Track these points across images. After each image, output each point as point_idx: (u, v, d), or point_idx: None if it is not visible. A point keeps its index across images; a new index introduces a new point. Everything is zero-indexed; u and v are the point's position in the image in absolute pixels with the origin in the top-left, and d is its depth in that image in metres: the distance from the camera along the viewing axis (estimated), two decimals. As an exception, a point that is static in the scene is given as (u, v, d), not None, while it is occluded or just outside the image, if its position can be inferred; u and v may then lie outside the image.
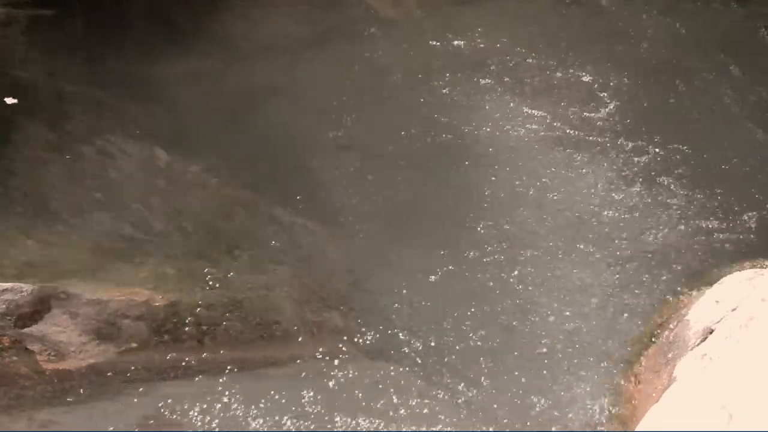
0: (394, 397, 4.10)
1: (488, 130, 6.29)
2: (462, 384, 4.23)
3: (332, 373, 4.24)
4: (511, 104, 6.59)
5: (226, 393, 4.07)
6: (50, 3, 7.61)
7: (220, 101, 6.68)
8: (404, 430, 3.93)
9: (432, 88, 6.84)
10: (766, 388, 3.14)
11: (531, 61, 7.21)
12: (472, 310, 4.70)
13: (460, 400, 4.12)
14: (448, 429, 3.94)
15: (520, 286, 4.87)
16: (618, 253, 5.09)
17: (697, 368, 3.66)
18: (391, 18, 8.10)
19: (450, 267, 5.00)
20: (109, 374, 4.04)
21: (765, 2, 7.89)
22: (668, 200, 5.49)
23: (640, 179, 5.71)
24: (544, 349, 4.44)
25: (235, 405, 4.00)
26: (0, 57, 7.03)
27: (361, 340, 4.52)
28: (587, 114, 6.44)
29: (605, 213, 5.42)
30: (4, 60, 7.00)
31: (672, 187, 5.62)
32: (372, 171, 5.88)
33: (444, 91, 6.78)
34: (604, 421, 4.00)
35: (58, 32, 7.47)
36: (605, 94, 6.67)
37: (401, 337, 4.54)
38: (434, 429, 3.93)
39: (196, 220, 5.40)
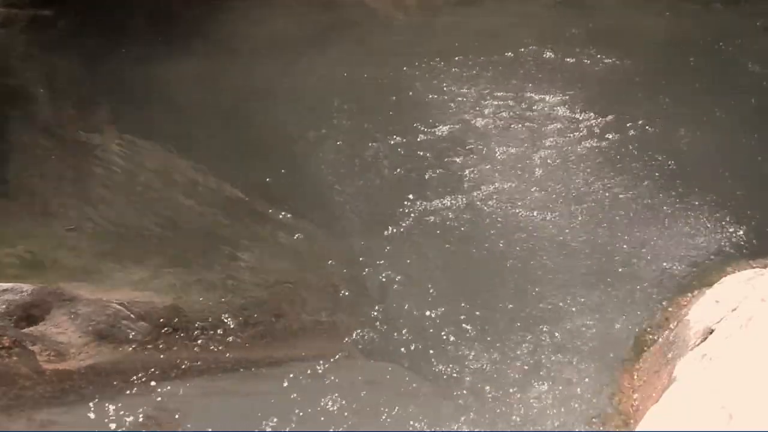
0: (394, 396, 4.10)
1: (488, 127, 6.30)
2: (462, 385, 4.23)
3: (332, 373, 4.24)
4: (510, 103, 6.59)
5: (226, 393, 4.07)
6: (50, 3, 7.62)
7: (220, 102, 6.68)
8: (404, 429, 3.92)
9: (433, 89, 6.84)
10: (766, 388, 3.14)
11: (531, 59, 7.22)
12: (471, 309, 4.70)
13: (459, 401, 4.12)
14: (449, 428, 3.93)
15: (518, 280, 4.87)
16: (618, 253, 5.08)
17: (697, 368, 3.66)
18: (390, 19, 8.11)
19: (449, 268, 5.01)
20: (109, 374, 4.04)
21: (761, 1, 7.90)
22: (668, 201, 5.49)
23: (640, 181, 5.71)
24: (547, 347, 4.44)
25: (235, 405, 4.00)
26: (0, 56, 7.04)
27: (360, 341, 4.51)
28: (586, 112, 6.44)
29: (604, 213, 5.42)
30: (4, 59, 7.01)
31: (672, 187, 5.62)
32: (373, 173, 5.88)
33: (446, 92, 6.78)
34: (604, 419, 4.01)
35: (57, 32, 7.48)
36: (604, 97, 6.68)
37: (401, 337, 4.54)
38: (434, 428, 3.93)
39: (195, 221, 5.40)
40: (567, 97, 6.67)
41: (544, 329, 4.54)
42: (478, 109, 6.55)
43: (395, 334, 4.56)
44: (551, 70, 7.07)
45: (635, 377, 4.19)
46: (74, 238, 5.03)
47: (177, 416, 3.88)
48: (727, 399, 3.17)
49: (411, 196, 5.59)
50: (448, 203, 5.52)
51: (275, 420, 3.90)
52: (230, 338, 4.41)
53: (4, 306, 4.08)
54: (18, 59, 7.05)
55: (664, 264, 4.97)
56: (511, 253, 5.11)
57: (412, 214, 5.43)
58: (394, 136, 6.23)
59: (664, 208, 5.44)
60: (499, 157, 6.00)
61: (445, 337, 4.51)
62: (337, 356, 4.36)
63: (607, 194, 5.60)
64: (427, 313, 4.68)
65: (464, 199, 5.56)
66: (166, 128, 6.30)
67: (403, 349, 4.47)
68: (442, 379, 4.26)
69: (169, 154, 6.05)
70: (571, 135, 6.22)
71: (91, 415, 3.78)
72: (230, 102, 6.70)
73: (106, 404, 3.87)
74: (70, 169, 5.78)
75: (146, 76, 6.85)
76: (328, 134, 6.29)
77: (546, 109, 6.54)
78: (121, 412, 3.84)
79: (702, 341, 3.89)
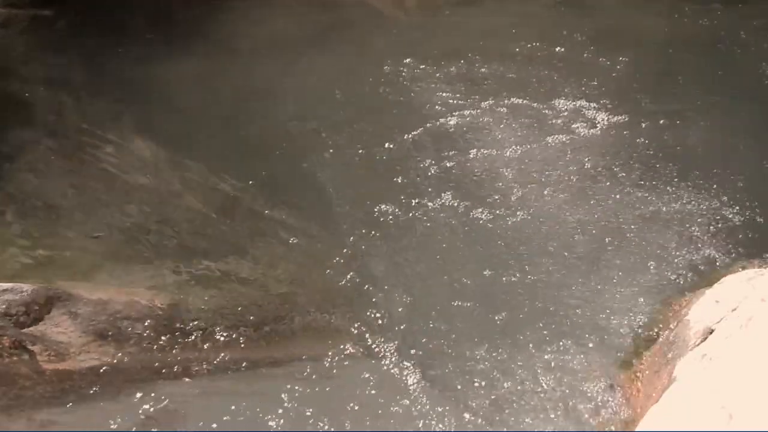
0: (394, 396, 4.10)
1: (489, 126, 6.30)
2: (463, 384, 4.23)
3: (332, 373, 4.24)
4: (509, 102, 6.59)
5: (227, 393, 4.07)
6: (50, 3, 7.62)
7: (220, 102, 6.69)
8: (404, 430, 3.92)
9: (433, 89, 6.84)
10: (766, 388, 3.14)
11: (531, 59, 7.22)
12: (472, 308, 4.70)
13: (461, 402, 4.12)
14: (449, 429, 3.93)
15: (518, 279, 4.87)
16: (618, 252, 5.08)
17: (697, 368, 3.66)
18: (390, 19, 8.11)
19: (451, 267, 5.01)
20: (109, 374, 4.04)
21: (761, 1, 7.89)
22: (668, 201, 5.49)
23: (640, 180, 5.71)
24: (547, 347, 4.45)
25: (235, 405, 4.00)
26: (0, 57, 7.04)
27: (360, 341, 4.51)
28: (586, 116, 6.44)
29: (604, 211, 5.42)
30: (4, 60, 7.01)
31: (671, 185, 5.62)
32: (372, 172, 5.88)
33: (446, 91, 6.78)
34: (604, 419, 4.01)
35: (57, 33, 7.48)
36: (604, 96, 6.68)
37: (402, 336, 4.54)
38: (435, 428, 3.93)
39: (195, 220, 5.40)
40: (567, 96, 6.67)
41: (544, 329, 4.54)
42: (478, 108, 6.54)
43: (396, 333, 4.56)
44: (551, 69, 7.06)
45: (635, 377, 4.19)
46: (74, 238, 5.03)
47: (177, 416, 3.88)
48: (727, 399, 3.17)
49: (413, 196, 5.59)
50: (450, 202, 5.52)
51: (275, 420, 3.90)
52: (230, 338, 4.41)
53: (4, 306, 4.08)
54: (18, 59, 7.05)
55: (665, 263, 4.97)
56: (511, 251, 5.11)
57: (414, 214, 5.43)
58: (395, 136, 6.23)
59: (664, 206, 5.44)
60: (499, 155, 6.00)
61: (445, 336, 4.51)
62: (338, 356, 4.37)
63: (606, 192, 5.60)
64: (428, 312, 4.68)
65: (465, 197, 5.56)
66: (166, 128, 6.30)
67: (403, 349, 4.47)
68: (443, 378, 4.26)
69: (169, 154, 6.05)
70: (572, 133, 6.22)
71: (91, 415, 3.78)
72: (230, 102, 6.70)
73: (106, 404, 3.87)
74: (69, 169, 5.78)
75: (146, 76, 6.85)
76: (329, 134, 6.29)
77: (545, 107, 6.54)
78: (121, 412, 3.84)
79: (702, 341, 3.89)
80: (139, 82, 6.79)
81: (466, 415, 4.03)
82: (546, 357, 4.37)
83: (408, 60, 7.20)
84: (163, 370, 4.13)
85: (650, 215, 5.38)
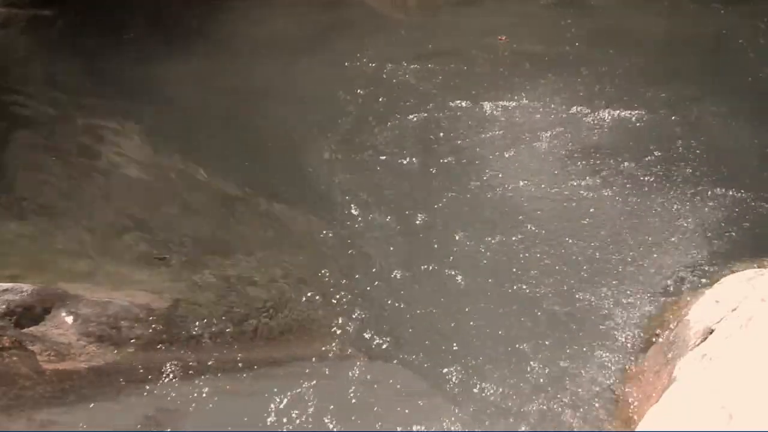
0: (394, 396, 4.10)
1: (490, 124, 6.31)
2: (463, 384, 4.23)
3: (332, 373, 4.24)
4: (509, 102, 6.59)
5: (227, 393, 4.07)
6: (50, 3, 7.62)
7: (220, 101, 6.69)
8: (405, 430, 3.92)
9: (433, 88, 6.84)
10: (766, 388, 3.14)
11: (531, 58, 7.22)
12: (473, 309, 4.70)
13: (460, 401, 4.12)
14: (450, 428, 3.94)
15: (518, 278, 4.86)
16: (618, 252, 5.08)
17: (697, 368, 3.66)
18: (390, 18, 8.11)
19: (453, 268, 5.01)
20: (109, 374, 4.04)
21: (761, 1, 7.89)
22: (668, 200, 5.49)
23: (639, 179, 5.71)
24: (547, 347, 4.44)
25: (235, 405, 4.00)
26: (0, 57, 7.04)
27: (360, 340, 4.51)
28: (585, 114, 6.44)
29: (605, 212, 5.42)
30: (4, 59, 7.01)
31: (671, 188, 5.62)
32: (372, 172, 5.89)
33: (446, 91, 6.78)
34: (604, 419, 4.01)
35: (57, 32, 7.49)
36: (605, 95, 6.68)
37: (402, 337, 4.54)
38: (435, 429, 3.93)
39: (195, 220, 5.40)
40: (567, 95, 6.68)
41: (543, 328, 4.55)
42: (478, 107, 6.55)
43: (396, 333, 4.56)
44: (550, 68, 7.06)
45: (635, 377, 4.20)
46: (75, 238, 5.03)
47: (177, 416, 3.88)
48: (727, 399, 3.17)
49: (414, 195, 5.60)
50: (450, 200, 5.53)
51: (275, 420, 3.91)
52: (230, 338, 4.42)
53: (4, 306, 4.08)
54: (18, 59, 7.05)
55: (665, 264, 4.97)
56: (512, 251, 5.11)
57: (417, 214, 5.43)
58: (395, 135, 6.23)
59: (665, 206, 5.44)
60: (499, 154, 6.01)
61: (446, 336, 4.51)
62: (337, 356, 4.37)
63: (605, 191, 5.59)
64: (430, 313, 4.68)
65: (467, 196, 5.57)
66: (165, 128, 6.31)
67: (404, 349, 4.47)
68: (443, 378, 4.26)
69: (168, 153, 6.05)
70: (570, 131, 6.23)
71: (91, 415, 3.79)
72: (230, 102, 6.70)
73: (106, 404, 3.88)
74: (70, 169, 5.78)
75: (146, 76, 6.85)
76: (328, 133, 6.29)
77: (545, 106, 6.54)
78: (121, 412, 3.84)
79: (702, 341, 3.89)
80: (139, 82, 6.79)
81: (464, 413, 4.03)
82: (545, 356, 4.37)
83: (408, 60, 7.20)
84: (163, 370, 4.13)
85: (650, 214, 5.38)
